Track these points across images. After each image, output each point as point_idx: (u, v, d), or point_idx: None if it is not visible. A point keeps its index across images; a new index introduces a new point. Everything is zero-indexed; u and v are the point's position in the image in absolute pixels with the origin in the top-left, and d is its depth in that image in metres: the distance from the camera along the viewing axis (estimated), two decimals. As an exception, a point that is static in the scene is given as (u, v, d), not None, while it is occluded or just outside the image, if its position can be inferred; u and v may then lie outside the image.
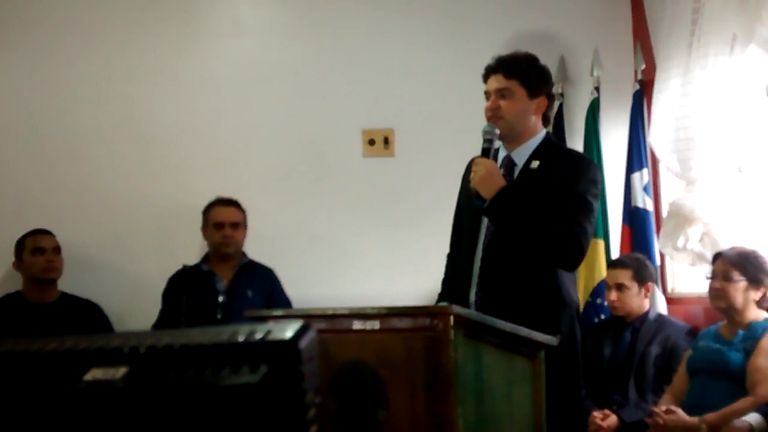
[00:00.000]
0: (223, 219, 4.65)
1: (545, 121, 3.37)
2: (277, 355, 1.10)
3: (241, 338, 1.13)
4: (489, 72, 3.32)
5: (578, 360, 3.30)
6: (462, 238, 3.39)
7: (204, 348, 1.14)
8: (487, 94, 3.31)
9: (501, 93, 3.26)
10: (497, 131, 3.23)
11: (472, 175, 3.18)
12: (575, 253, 3.12)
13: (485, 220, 3.24)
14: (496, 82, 3.28)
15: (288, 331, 1.11)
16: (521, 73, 3.25)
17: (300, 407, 1.10)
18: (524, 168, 3.26)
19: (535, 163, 3.24)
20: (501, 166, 3.30)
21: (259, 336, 1.12)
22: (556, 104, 4.99)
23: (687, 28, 4.26)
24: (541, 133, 3.34)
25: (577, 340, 3.28)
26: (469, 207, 3.31)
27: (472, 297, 3.22)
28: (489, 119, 3.27)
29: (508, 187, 3.14)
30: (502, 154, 3.35)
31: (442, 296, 3.46)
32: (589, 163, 3.34)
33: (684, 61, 4.24)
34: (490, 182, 3.12)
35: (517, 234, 3.13)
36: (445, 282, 3.49)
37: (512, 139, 3.30)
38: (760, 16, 3.73)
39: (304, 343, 1.11)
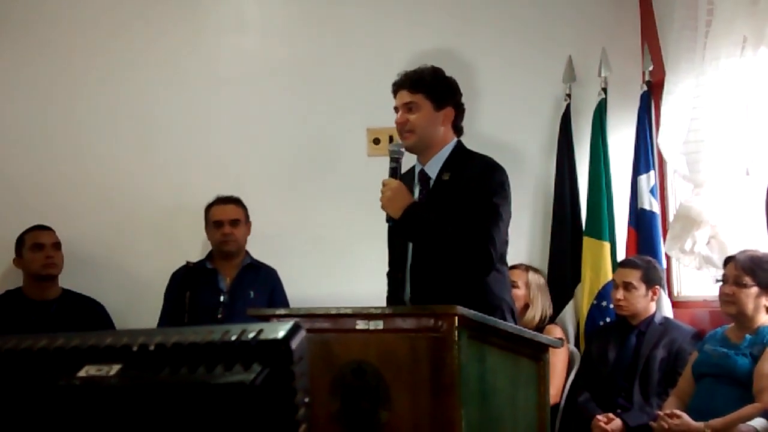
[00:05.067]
0: (221, 217, 4.63)
1: (457, 131, 3.47)
2: (270, 355, 1.12)
3: (233, 337, 1.14)
4: (396, 88, 3.44)
5: None
6: (395, 255, 3.50)
7: (197, 346, 1.16)
8: (396, 109, 3.43)
9: (408, 107, 3.38)
10: (403, 150, 3.37)
11: (381, 197, 3.29)
12: (484, 260, 3.19)
13: None
14: (401, 97, 3.40)
15: (280, 331, 1.13)
16: (425, 87, 3.37)
17: (290, 406, 1.12)
18: (437, 180, 3.37)
19: (447, 175, 3.35)
20: (417, 181, 3.42)
21: (251, 335, 1.14)
22: (564, 104, 4.98)
23: (697, 30, 4.24)
24: (452, 142, 3.45)
25: None
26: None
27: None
28: (399, 133, 3.40)
29: (413, 204, 3.26)
30: (418, 168, 3.46)
31: None
32: (494, 167, 3.37)
33: (694, 63, 4.22)
34: (396, 202, 3.25)
35: (428, 247, 3.25)
36: (388, 299, 3.56)
37: (423, 151, 3.42)
38: (770, 18, 3.71)
39: (295, 343, 1.13)
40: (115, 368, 1.16)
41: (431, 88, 3.37)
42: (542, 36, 5.09)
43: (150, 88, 5.05)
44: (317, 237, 5.02)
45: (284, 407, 1.11)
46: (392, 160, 3.35)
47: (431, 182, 3.37)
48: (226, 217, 4.63)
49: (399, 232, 3.32)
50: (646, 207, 4.69)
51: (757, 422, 3.38)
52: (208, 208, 4.69)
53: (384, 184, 3.30)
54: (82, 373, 1.17)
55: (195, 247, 4.82)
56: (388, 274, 3.59)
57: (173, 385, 1.13)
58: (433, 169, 3.39)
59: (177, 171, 5.02)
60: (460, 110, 3.46)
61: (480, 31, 5.09)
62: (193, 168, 5.02)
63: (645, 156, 4.73)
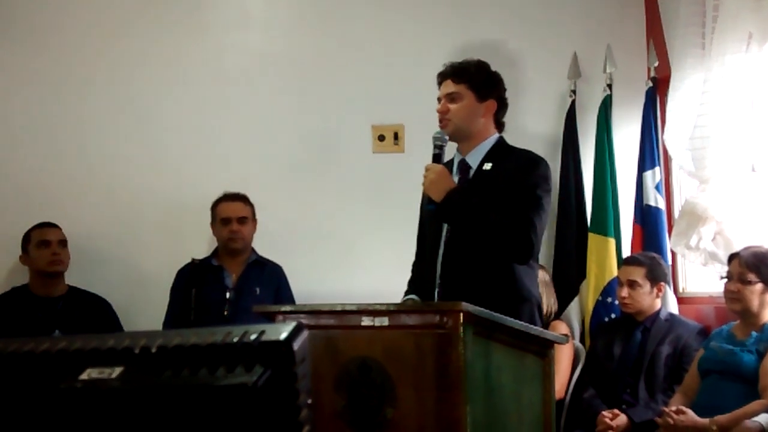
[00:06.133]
0: (229, 214, 4.63)
1: (499, 126, 3.49)
2: (272, 356, 1.12)
3: (235, 339, 1.14)
4: (441, 78, 3.47)
5: None
6: (426, 243, 3.49)
7: (199, 348, 1.15)
8: (439, 99, 3.45)
9: (450, 97, 3.41)
10: (447, 137, 3.38)
11: (423, 180, 3.30)
12: (525, 246, 3.20)
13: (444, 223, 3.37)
14: (445, 87, 3.43)
15: (282, 332, 1.13)
16: (469, 77, 3.40)
17: (293, 408, 1.12)
18: (478, 170, 3.37)
19: (488, 165, 3.37)
20: (457, 170, 3.43)
21: (253, 337, 1.13)
22: (569, 101, 4.97)
23: (702, 26, 4.23)
24: (494, 136, 3.46)
25: None
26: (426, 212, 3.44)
27: (435, 296, 3.31)
28: (440, 122, 3.41)
29: (456, 188, 3.26)
30: (458, 159, 3.47)
31: (406, 296, 3.54)
32: (539, 160, 3.40)
33: (700, 59, 4.21)
34: (439, 185, 3.25)
35: (469, 232, 3.24)
36: (410, 284, 3.58)
37: (463, 141, 3.44)
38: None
39: (297, 344, 1.13)
40: (117, 371, 1.16)
41: (475, 79, 3.40)
42: (548, 32, 5.09)
43: (154, 84, 5.06)
44: (322, 233, 5.02)
45: (287, 409, 1.11)
46: (435, 146, 3.35)
47: (471, 171, 3.39)
48: (234, 214, 4.63)
49: (440, 215, 3.30)
50: (652, 203, 4.68)
51: (763, 418, 3.37)
52: (215, 205, 4.68)
53: (427, 169, 3.30)
54: (84, 376, 1.17)
55: (200, 243, 4.83)
56: (415, 264, 3.60)
57: (175, 387, 1.13)
58: (474, 159, 3.40)
59: (182, 167, 5.03)
60: (502, 104, 3.48)
61: (485, 27, 5.09)
62: (197, 164, 5.03)
63: (650, 152, 4.72)
